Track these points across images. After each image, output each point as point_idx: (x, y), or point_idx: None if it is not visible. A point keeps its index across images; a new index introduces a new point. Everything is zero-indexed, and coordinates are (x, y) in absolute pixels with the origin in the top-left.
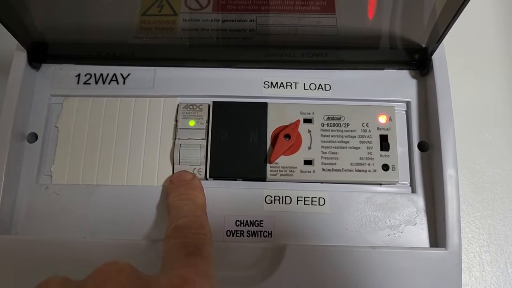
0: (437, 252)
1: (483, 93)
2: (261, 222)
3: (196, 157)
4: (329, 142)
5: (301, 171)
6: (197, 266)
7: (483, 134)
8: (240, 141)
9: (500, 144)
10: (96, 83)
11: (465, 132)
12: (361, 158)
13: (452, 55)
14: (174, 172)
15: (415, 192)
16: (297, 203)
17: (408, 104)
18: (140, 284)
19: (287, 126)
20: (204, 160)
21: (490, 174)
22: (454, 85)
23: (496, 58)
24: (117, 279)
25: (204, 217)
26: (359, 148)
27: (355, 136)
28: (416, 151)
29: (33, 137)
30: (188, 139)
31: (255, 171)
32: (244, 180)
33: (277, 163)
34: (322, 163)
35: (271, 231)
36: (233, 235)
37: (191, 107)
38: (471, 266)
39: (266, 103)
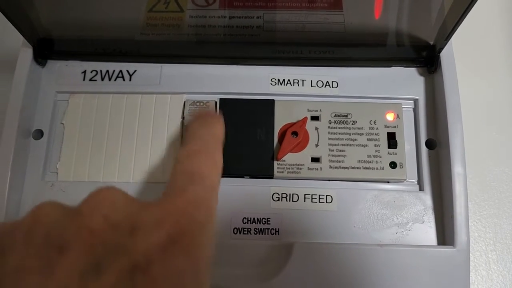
0: (445, 250)
1: (490, 92)
2: (268, 219)
3: None
4: (337, 139)
5: (309, 169)
6: (198, 192)
7: (489, 132)
8: (247, 138)
9: (507, 142)
10: (102, 79)
11: (471, 131)
12: (369, 156)
13: (459, 53)
14: None
15: (423, 190)
16: (305, 201)
17: (415, 101)
18: (136, 207)
19: (294, 123)
20: None
21: (497, 172)
22: (461, 83)
23: (503, 56)
24: (111, 201)
25: (217, 147)
26: (366, 145)
27: (362, 134)
28: (424, 149)
29: (39, 134)
30: None
31: (262, 169)
32: (251, 177)
33: (284, 161)
34: (330, 161)
35: (278, 229)
36: (240, 233)
37: (197, 104)
38: (477, 265)
39: (273, 100)
